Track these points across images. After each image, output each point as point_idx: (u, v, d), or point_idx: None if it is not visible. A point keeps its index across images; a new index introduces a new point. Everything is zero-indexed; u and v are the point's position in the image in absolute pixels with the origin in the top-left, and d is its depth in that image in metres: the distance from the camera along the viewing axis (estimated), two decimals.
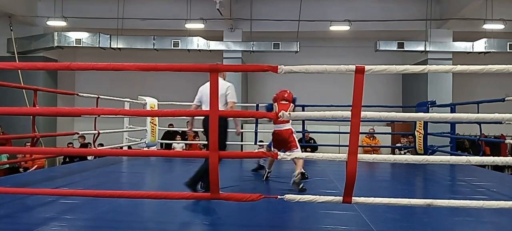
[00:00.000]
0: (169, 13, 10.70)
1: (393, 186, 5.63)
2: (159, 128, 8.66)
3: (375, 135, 10.44)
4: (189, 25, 10.53)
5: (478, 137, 6.93)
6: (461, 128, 10.46)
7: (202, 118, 4.15)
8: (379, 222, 3.21)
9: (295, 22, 10.26)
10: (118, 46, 10.72)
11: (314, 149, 9.89)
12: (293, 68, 2.70)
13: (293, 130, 4.92)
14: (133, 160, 7.21)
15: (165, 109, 3.05)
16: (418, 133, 8.56)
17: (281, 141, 4.85)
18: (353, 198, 2.74)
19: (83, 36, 10.79)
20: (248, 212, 3.52)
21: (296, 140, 4.92)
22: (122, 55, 10.85)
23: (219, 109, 3.78)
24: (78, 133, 6.92)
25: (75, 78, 12.83)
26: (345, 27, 10.47)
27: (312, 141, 9.97)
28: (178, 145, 9.97)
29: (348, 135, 2.64)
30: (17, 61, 10.07)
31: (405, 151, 9.79)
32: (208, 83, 3.85)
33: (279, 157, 2.77)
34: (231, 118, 4.28)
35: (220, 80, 3.94)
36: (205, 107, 4.15)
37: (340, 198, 2.79)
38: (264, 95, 12.34)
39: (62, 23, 10.69)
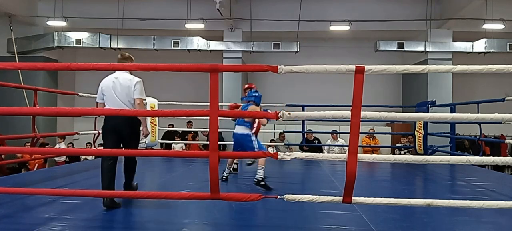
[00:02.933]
0: (169, 13, 10.70)
1: (393, 186, 5.63)
2: (159, 128, 8.65)
3: (375, 135, 10.44)
4: (189, 25, 10.53)
5: (478, 137, 6.93)
6: (461, 128, 10.47)
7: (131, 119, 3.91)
8: (379, 222, 3.21)
9: (295, 22, 10.26)
10: (118, 46, 10.72)
11: (317, 149, 9.79)
12: (293, 68, 2.70)
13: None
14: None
15: (165, 110, 3.05)
16: (418, 133, 8.56)
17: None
18: (353, 198, 2.74)
19: (83, 36, 10.78)
20: (248, 212, 3.52)
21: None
22: None
23: (127, 107, 3.79)
24: (78, 133, 6.91)
25: (75, 78, 12.82)
26: (345, 27, 10.47)
27: (316, 141, 9.92)
28: (177, 146, 9.96)
29: (348, 135, 2.64)
30: (17, 61, 10.07)
31: (405, 151, 9.79)
32: (109, 77, 3.87)
33: (279, 157, 2.77)
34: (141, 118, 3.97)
35: (127, 74, 3.88)
36: (109, 105, 3.82)
37: (340, 198, 2.79)
38: (264, 95, 12.29)
39: (62, 23, 10.69)
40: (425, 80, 10.61)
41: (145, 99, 3.93)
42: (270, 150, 9.23)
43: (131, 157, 3.97)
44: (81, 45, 10.89)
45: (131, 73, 3.93)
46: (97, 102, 3.99)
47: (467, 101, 7.62)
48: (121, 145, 3.91)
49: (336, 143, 9.53)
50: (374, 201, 2.81)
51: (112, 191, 3.64)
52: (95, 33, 10.72)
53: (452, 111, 7.89)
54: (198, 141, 10.37)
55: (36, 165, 8.75)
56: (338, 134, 9.61)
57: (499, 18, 9.70)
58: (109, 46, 10.71)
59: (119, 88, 3.79)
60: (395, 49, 10.53)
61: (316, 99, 9.54)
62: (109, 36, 10.66)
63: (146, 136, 3.94)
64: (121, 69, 3.77)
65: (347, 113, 2.66)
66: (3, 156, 7.75)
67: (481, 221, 3.33)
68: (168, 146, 10.08)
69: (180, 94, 10.53)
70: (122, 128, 3.78)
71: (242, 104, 5.18)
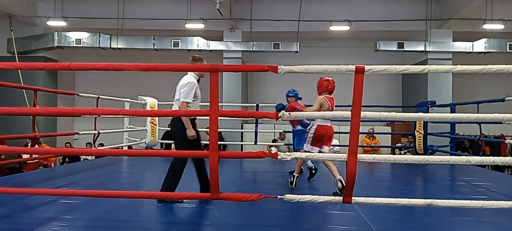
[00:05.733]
0: (169, 13, 10.70)
1: (393, 186, 5.63)
2: (159, 128, 8.66)
3: (375, 135, 10.43)
4: (189, 25, 10.53)
5: (478, 137, 6.93)
6: (461, 128, 10.47)
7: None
8: (379, 222, 3.21)
9: (295, 22, 10.26)
10: (118, 46, 10.72)
11: None
12: (293, 68, 2.70)
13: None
14: (133, 160, 7.21)
15: (165, 110, 3.05)
16: (418, 133, 8.56)
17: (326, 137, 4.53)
18: (353, 198, 2.74)
19: (83, 36, 10.79)
20: (248, 212, 3.52)
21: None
22: (122, 55, 10.85)
23: (175, 107, 3.88)
24: (78, 133, 6.91)
25: (75, 78, 12.83)
26: (345, 27, 10.47)
27: None
28: None
29: (348, 135, 2.64)
30: (17, 61, 10.07)
31: (405, 151, 9.79)
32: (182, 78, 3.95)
33: (279, 157, 2.77)
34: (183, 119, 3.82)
35: (187, 75, 3.94)
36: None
37: (340, 198, 2.79)
38: (264, 95, 12.36)
39: (62, 23, 10.69)
40: (425, 80, 10.61)
41: (190, 102, 3.79)
42: (272, 149, 9.22)
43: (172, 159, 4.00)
44: (81, 45, 10.89)
45: (193, 75, 3.97)
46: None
47: (467, 101, 7.61)
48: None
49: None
50: (374, 201, 2.81)
51: (111, 191, 3.64)
52: (95, 33, 10.72)
53: (452, 111, 7.89)
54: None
55: (52, 164, 8.89)
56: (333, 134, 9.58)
57: (499, 18, 9.70)
58: (109, 46, 10.70)
59: (176, 89, 3.91)
60: (395, 49, 10.53)
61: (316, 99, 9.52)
62: (109, 36, 10.66)
63: (191, 137, 3.79)
64: (120, 69, 3.73)
65: (347, 114, 2.66)
66: (2, 156, 7.76)
67: (481, 221, 3.33)
68: (168, 146, 10.07)
69: None
70: (171, 128, 4.04)
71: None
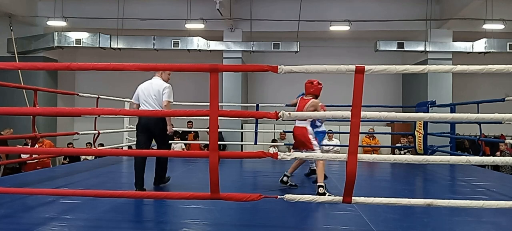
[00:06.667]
0: (169, 13, 10.70)
1: (393, 186, 5.63)
2: None
3: (375, 135, 10.43)
4: (189, 25, 10.53)
5: (478, 137, 6.92)
6: (461, 128, 10.47)
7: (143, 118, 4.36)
8: (379, 222, 3.21)
9: (295, 22, 10.26)
10: (118, 46, 10.72)
11: None
12: (293, 68, 2.70)
13: (309, 129, 4.45)
14: (133, 160, 7.19)
15: (165, 110, 3.05)
16: (418, 133, 8.56)
17: (298, 141, 4.41)
18: (353, 198, 2.74)
19: (83, 36, 10.79)
20: (248, 212, 3.52)
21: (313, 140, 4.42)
22: (122, 55, 10.85)
23: (156, 108, 4.27)
24: (78, 133, 6.91)
25: (75, 78, 12.83)
26: (345, 27, 10.47)
27: None
28: (177, 145, 9.95)
29: (348, 135, 2.64)
30: (17, 61, 10.07)
31: (405, 151, 9.79)
32: (146, 82, 4.40)
33: (279, 157, 2.77)
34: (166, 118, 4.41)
35: (160, 80, 4.37)
36: (143, 106, 4.34)
37: (340, 198, 2.79)
38: (264, 95, 12.37)
39: (62, 23, 10.69)
40: (425, 80, 10.61)
41: (172, 102, 4.35)
42: (271, 149, 9.25)
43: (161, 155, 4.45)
44: (81, 45, 10.90)
45: (161, 79, 4.43)
46: (131, 103, 4.56)
47: (467, 101, 7.62)
48: (152, 142, 4.52)
49: (330, 142, 9.55)
50: (374, 201, 2.81)
51: (111, 191, 3.64)
52: (95, 33, 10.72)
53: (452, 111, 7.89)
54: (199, 141, 10.36)
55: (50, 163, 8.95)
56: (333, 134, 9.60)
57: (499, 18, 9.70)
58: (109, 46, 10.71)
59: (152, 92, 4.30)
60: (395, 49, 10.54)
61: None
62: (109, 36, 10.66)
63: (171, 133, 4.42)
64: (120, 69, 3.74)
65: (347, 113, 2.66)
66: (2, 156, 7.76)
67: (481, 221, 3.33)
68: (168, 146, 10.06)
69: (180, 94, 10.52)
70: (152, 127, 4.30)
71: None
